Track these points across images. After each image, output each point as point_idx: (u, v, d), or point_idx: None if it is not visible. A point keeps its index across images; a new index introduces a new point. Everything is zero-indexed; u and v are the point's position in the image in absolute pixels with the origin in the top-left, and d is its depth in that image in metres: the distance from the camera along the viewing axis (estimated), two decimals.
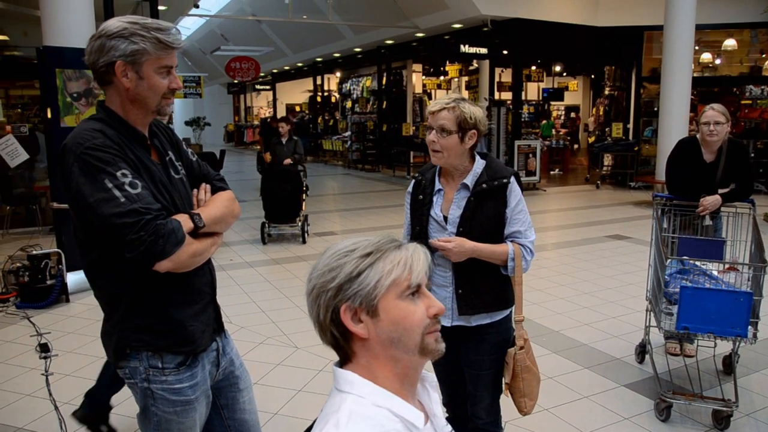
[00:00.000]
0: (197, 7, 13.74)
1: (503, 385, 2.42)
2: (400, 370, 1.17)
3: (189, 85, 13.43)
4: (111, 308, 1.81)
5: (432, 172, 2.45)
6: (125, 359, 1.81)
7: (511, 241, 2.34)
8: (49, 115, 5.99)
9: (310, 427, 1.19)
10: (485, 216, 2.32)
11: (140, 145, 1.78)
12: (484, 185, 2.32)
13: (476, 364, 2.41)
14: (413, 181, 2.52)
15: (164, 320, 1.78)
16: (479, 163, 2.37)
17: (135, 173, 1.68)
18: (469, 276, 2.34)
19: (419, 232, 2.38)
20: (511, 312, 2.46)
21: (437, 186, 2.41)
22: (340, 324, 1.15)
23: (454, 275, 2.36)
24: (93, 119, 1.75)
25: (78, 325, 4.94)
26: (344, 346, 1.19)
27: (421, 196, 2.42)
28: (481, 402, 2.45)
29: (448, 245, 2.24)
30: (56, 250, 5.73)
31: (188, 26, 24.28)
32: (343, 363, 1.20)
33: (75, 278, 5.82)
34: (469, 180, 2.34)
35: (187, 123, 26.05)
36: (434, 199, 2.40)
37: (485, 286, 2.36)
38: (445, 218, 2.35)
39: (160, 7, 10.67)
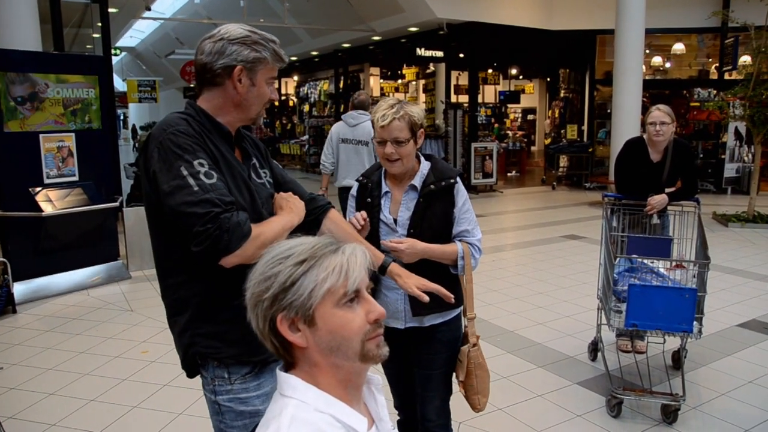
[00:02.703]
0: (149, 9, 13.48)
1: (457, 384, 2.42)
2: (343, 376, 1.15)
3: (144, 90, 13.17)
4: (175, 311, 1.77)
5: (378, 174, 2.44)
6: (196, 369, 1.78)
7: (460, 240, 2.36)
8: None
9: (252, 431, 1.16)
10: (434, 216, 2.33)
11: (224, 141, 1.76)
12: (432, 186, 2.33)
13: (428, 364, 2.41)
14: (357, 184, 2.50)
15: (237, 325, 1.68)
16: (424, 164, 2.38)
17: (213, 164, 1.66)
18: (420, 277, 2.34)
19: (369, 236, 2.35)
20: (461, 310, 2.47)
21: (384, 188, 2.40)
22: (278, 333, 1.13)
23: None
24: (180, 112, 1.76)
25: (25, 337, 4.79)
26: (285, 354, 1.17)
27: (369, 199, 2.40)
28: (431, 403, 2.44)
29: (400, 246, 2.23)
30: (2, 259, 5.54)
31: (142, 29, 23.83)
32: (287, 367, 1.18)
33: (22, 288, 5.65)
34: (417, 181, 2.34)
35: (142, 128, 25.57)
36: (382, 201, 2.39)
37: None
38: (395, 220, 2.35)
39: (111, 10, 10.44)
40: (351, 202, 2.50)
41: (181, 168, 1.59)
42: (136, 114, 29.83)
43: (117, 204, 6.42)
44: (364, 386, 1.23)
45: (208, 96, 1.77)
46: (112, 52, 11.53)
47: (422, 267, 2.28)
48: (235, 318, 1.70)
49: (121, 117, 33.48)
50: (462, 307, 2.46)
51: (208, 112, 1.75)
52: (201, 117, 1.74)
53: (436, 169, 2.38)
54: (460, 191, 2.38)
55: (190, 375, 1.83)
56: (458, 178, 2.39)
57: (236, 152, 1.83)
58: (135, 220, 6.52)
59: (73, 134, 6.09)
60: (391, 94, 19.45)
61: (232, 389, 1.75)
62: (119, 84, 24.47)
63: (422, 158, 2.40)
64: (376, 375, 1.27)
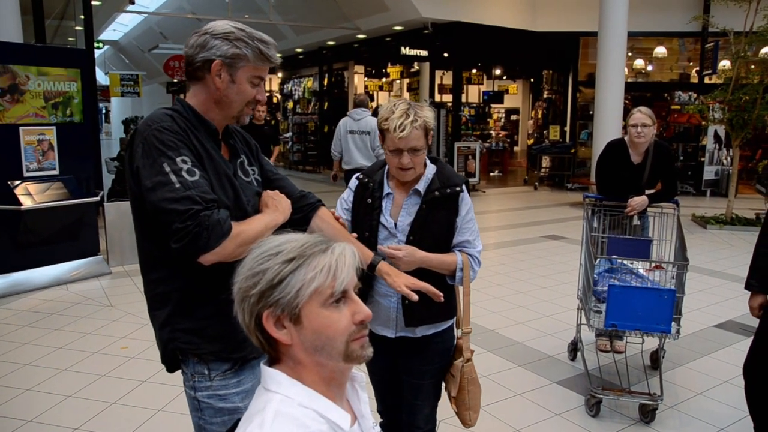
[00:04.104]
0: (133, 3, 13.34)
1: (450, 399, 2.37)
2: (326, 374, 1.16)
3: (127, 84, 13.06)
4: (156, 306, 1.77)
5: (380, 174, 2.33)
6: (175, 364, 1.78)
7: (459, 251, 2.29)
8: None
9: (235, 425, 1.17)
10: (436, 224, 2.24)
11: (210, 138, 1.76)
12: (436, 192, 2.23)
13: (419, 374, 2.36)
14: (356, 181, 2.37)
15: (216, 322, 1.71)
16: (430, 168, 2.28)
17: (196, 161, 1.66)
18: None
19: (368, 239, 2.25)
20: (454, 321, 2.42)
21: (386, 189, 2.29)
22: (264, 329, 1.13)
23: None
24: (167, 107, 1.76)
25: (2, 332, 4.72)
26: (270, 350, 1.18)
27: (369, 200, 2.29)
28: (420, 411, 2.40)
29: (398, 253, 2.14)
30: None
31: (125, 23, 23.58)
32: (272, 362, 1.19)
33: None
34: (421, 186, 2.25)
35: (124, 122, 25.29)
36: (383, 203, 2.28)
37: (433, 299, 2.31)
38: (395, 224, 2.26)
39: (94, 2, 10.33)
40: (347, 196, 2.40)
41: (163, 164, 1.59)
42: (119, 109, 29.47)
43: (98, 198, 6.36)
44: (348, 383, 1.24)
45: (194, 91, 1.77)
46: (95, 45, 11.40)
47: (417, 275, 2.18)
48: (215, 314, 1.71)
49: (104, 111, 33.09)
50: (455, 319, 2.41)
51: (195, 108, 1.75)
52: (188, 113, 1.74)
53: (441, 174, 2.28)
54: (465, 199, 2.29)
55: (170, 369, 1.83)
56: (464, 186, 2.29)
57: (224, 149, 1.82)
58: (116, 215, 6.46)
59: (53, 127, 6.02)
60: (375, 93, 19.44)
61: (212, 386, 1.75)
62: (102, 78, 24.20)
63: (427, 161, 2.29)
64: (360, 372, 1.28)
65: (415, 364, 2.35)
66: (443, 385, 2.44)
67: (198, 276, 1.66)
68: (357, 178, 2.38)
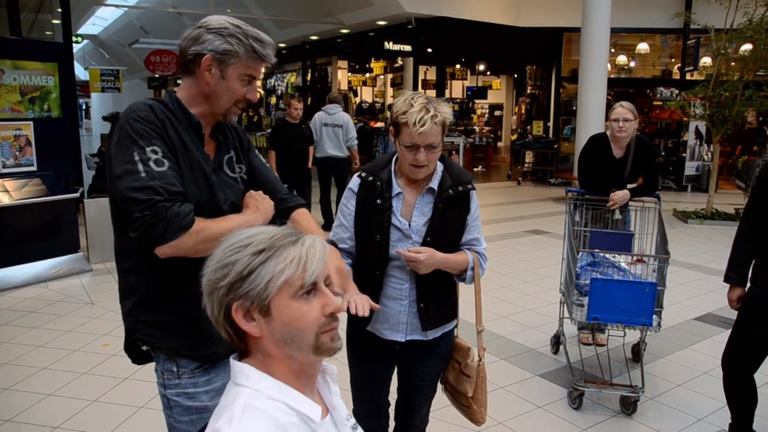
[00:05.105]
0: None
1: (468, 399, 2.33)
2: (296, 366, 1.16)
3: (107, 79, 12.90)
4: (124, 295, 1.77)
5: (387, 171, 2.18)
6: (138, 356, 1.78)
7: (468, 249, 2.24)
8: None
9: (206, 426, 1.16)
10: (450, 224, 2.17)
11: (192, 131, 1.74)
12: (450, 191, 2.14)
13: (422, 376, 2.33)
14: (358, 180, 2.22)
15: (179, 318, 1.70)
16: (438, 165, 2.19)
17: (168, 153, 1.63)
18: (432, 289, 2.20)
19: (379, 242, 2.14)
20: (456, 322, 2.40)
21: (396, 189, 2.16)
22: (233, 322, 1.12)
23: (416, 288, 2.18)
24: (154, 98, 1.74)
25: None
26: (239, 343, 1.17)
27: (379, 201, 2.14)
28: (418, 412, 2.40)
29: (419, 257, 2.05)
30: None
31: (105, 17, 23.27)
32: (241, 356, 1.18)
33: None
34: (435, 184, 2.15)
35: (104, 118, 24.99)
36: (393, 203, 2.16)
37: (445, 299, 2.27)
38: (409, 225, 2.16)
39: None
40: (348, 202, 2.23)
41: (133, 153, 1.58)
42: (99, 104, 29.13)
43: (77, 195, 6.28)
44: (319, 375, 1.24)
45: (185, 84, 1.76)
46: (74, 39, 11.26)
47: (436, 279, 2.17)
48: (179, 310, 1.70)
49: (84, 107, 32.71)
50: (457, 319, 2.38)
51: (182, 101, 1.74)
52: (174, 105, 1.72)
53: (451, 172, 2.19)
54: (474, 197, 2.23)
55: (135, 361, 1.82)
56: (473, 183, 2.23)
57: (210, 144, 1.80)
58: (96, 211, 6.38)
59: (31, 123, 5.93)
60: (359, 88, 19.41)
61: (180, 383, 1.74)
62: (81, 73, 23.90)
63: None
64: (331, 365, 1.27)
65: (421, 367, 2.32)
66: (439, 385, 2.44)
67: (163, 269, 1.64)
68: (359, 176, 2.22)
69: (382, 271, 2.17)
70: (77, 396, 3.61)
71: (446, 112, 2.06)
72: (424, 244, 2.13)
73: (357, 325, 2.25)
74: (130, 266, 1.74)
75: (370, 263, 2.19)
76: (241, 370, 1.14)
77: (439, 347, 2.31)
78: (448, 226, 2.17)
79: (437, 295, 2.22)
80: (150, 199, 1.53)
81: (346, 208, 2.23)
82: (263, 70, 1.79)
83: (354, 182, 2.23)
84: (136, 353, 1.79)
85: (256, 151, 1.99)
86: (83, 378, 3.85)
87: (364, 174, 2.20)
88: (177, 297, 1.69)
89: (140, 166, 1.57)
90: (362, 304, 1.88)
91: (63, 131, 6.32)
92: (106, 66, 21.84)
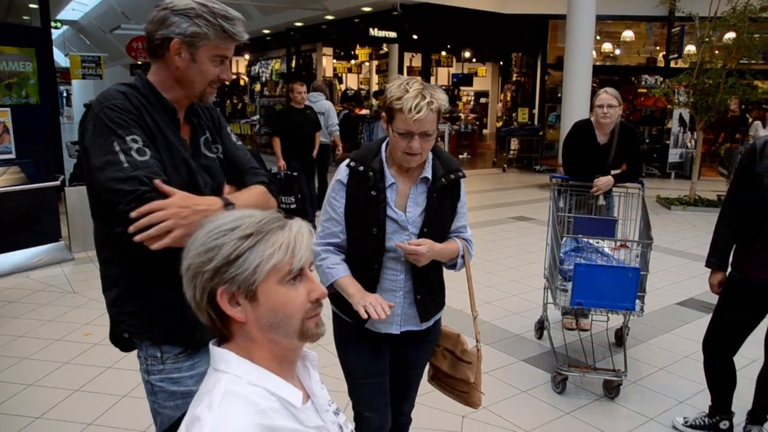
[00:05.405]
0: None
1: (468, 385, 2.33)
2: (279, 351, 1.15)
3: (88, 66, 12.70)
4: (106, 286, 1.75)
5: (378, 161, 2.08)
6: (126, 344, 1.76)
7: (456, 237, 2.22)
8: None
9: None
10: (444, 213, 2.14)
11: (167, 117, 1.70)
12: (443, 179, 2.10)
13: (415, 365, 2.34)
14: (347, 169, 2.10)
15: (165, 307, 1.66)
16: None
17: (148, 140, 1.60)
18: (428, 279, 2.18)
19: (376, 235, 2.06)
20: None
21: (389, 179, 2.07)
22: (217, 306, 1.11)
23: (412, 280, 2.14)
24: (124, 83, 1.69)
25: None
26: (221, 327, 1.15)
27: (374, 192, 2.05)
28: (409, 399, 2.42)
29: (420, 249, 2.00)
30: None
31: (85, 2, 22.88)
32: (221, 341, 1.17)
33: None
34: (428, 173, 2.09)
35: (86, 106, 24.68)
36: (387, 194, 2.07)
37: (437, 287, 2.27)
38: (404, 216, 2.11)
39: None
40: (337, 194, 2.12)
41: (113, 143, 1.54)
42: (81, 91, 28.76)
43: (58, 183, 6.20)
44: (299, 361, 1.23)
45: (155, 68, 1.71)
46: (53, 25, 11.06)
47: (430, 269, 2.16)
48: (164, 299, 1.67)
49: (65, 94, 32.29)
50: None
51: (154, 85, 1.69)
52: (146, 90, 1.68)
53: (441, 159, 2.13)
54: (462, 184, 2.20)
55: (123, 349, 1.81)
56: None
57: (185, 128, 1.77)
58: (78, 199, 6.29)
59: (8, 109, 5.83)
60: (344, 75, 19.30)
61: (164, 369, 1.72)
62: (62, 59, 23.54)
63: None
64: (312, 351, 1.26)
65: (414, 356, 2.31)
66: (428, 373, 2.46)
67: (143, 258, 1.60)
68: (348, 166, 2.10)
69: (380, 265, 2.11)
70: (60, 386, 3.57)
71: (442, 98, 2.00)
72: (421, 235, 2.08)
73: (352, 321, 2.19)
74: (110, 256, 1.72)
75: (366, 257, 2.11)
76: (221, 355, 1.13)
77: (431, 335, 2.32)
78: (442, 215, 2.14)
79: (431, 284, 2.21)
80: (136, 189, 1.49)
81: (336, 201, 2.11)
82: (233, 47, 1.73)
83: (342, 173, 2.11)
84: (122, 343, 1.78)
85: (229, 130, 1.94)
86: (66, 367, 3.81)
87: (353, 164, 2.09)
88: (161, 286, 1.65)
89: (122, 156, 1.52)
90: (380, 306, 1.91)
91: (42, 118, 6.24)
92: (88, 52, 21.53)
